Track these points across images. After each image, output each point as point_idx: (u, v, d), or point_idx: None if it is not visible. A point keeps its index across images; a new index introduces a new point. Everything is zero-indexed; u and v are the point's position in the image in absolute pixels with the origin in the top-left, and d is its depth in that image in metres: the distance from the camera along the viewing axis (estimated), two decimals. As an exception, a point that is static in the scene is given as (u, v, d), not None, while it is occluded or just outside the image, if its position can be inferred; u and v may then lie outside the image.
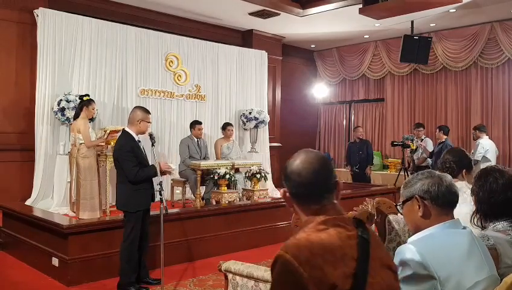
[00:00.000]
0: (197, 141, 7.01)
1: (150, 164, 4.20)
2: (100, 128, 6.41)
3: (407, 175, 7.35)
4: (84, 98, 5.86)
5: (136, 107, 4.35)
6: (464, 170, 2.88)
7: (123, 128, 4.26)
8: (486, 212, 2.07)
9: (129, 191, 4.03)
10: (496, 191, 2.05)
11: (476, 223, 2.10)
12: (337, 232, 1.31)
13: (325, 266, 1.23)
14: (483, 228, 2.07)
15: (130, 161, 3.98)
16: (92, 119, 6.58)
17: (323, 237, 1.28)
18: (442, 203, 1.71)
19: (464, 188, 2.71)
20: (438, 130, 7.66)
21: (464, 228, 1.76)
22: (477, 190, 2.12)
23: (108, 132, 5.95)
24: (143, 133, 4.19)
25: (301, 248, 1.25)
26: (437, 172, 1.81)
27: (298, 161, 1.41)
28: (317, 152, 1.46)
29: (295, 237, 1.31)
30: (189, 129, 7.38)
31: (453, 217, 1.75)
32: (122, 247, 4.08)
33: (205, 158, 7.00)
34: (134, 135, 4.13)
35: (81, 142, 5.67)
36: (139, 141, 4.18)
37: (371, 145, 8.88)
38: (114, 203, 6.52)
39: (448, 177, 1.79)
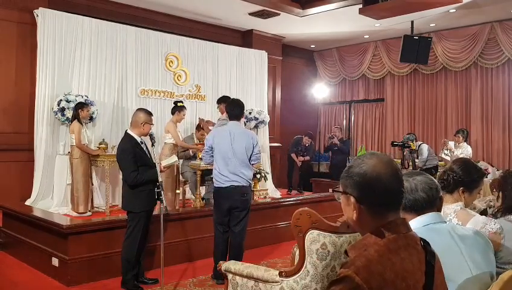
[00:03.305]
0: (199, 141, 6.99)
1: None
2: (97, 146, 6.43)
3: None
4: (179, 104, 6.38)
5: (138, 110, 4.36)
6: (462, 188, 2.30)
7: (125, 131, 4.27)
8: (509, 206, 2.25)
9: (133, 192, 4.05)
10: None
11: (493, 213, 2.25)
12: (409, 254, 1.24)
13: None
14: (496, 218, 2.19)
15: (129, 166, 4.00)
16: (91, 119, 6.61)
17: (395, 261, 1.20)
18: (404, 207, 1.74)
19: (455, 213, 2.22)
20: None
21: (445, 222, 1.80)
22: (508, 186, 2.33)
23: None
24: (146, 135, 4.20)
25: (373, 272, 1.15)
26: (414, 177, 1.80)
27: (376, 167, 1.28)
28: (388, 157, 1.35)
29: (365, 255, 1.20)
30: (189, 129, 7.38)
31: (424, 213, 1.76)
32: (123, 245, 4.10)
33: None
34: (136, 137, 4.15)
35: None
36: (142, 143, 4.19)
37: (347, 144, 9.60)
38: (114, 203, 6.58)
39: (418, 180, 1.77)
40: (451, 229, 1.74)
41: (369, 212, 1.29)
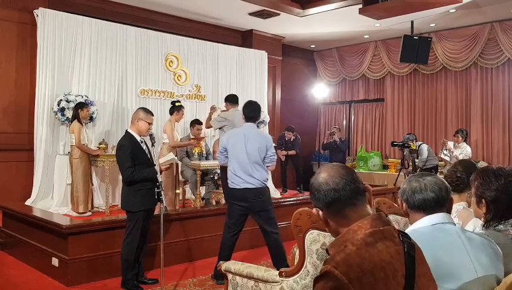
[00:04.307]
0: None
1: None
2: (97, 146, 6.46)
3: (408, 175, 7.33)
4: (177, 104, 6.41)
5: (139, 108, 4.38)
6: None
7: (126, 130, 4.28)
8: (498, 213, 1.96)
9: (131, 191, 4.04)
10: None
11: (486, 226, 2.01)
12: (386, 247, 1.28)
13: (376, 285, 1.19)
14: (487, 228, 2.00)
15: (126, 162, 3.99)
16: (91, 119, 6.62)
17: (373, 253, 1.24)
18: (413, 206, 1.78)
19: (457, 212, 2.33)
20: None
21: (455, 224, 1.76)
22: (493, 191, 1.96)
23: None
24: (142, 133, 4.18)
25: (351, 265, 1.20)
26: (424, 178, 1.80)
27: (322, 174, 1.44)
28: (336, 163, 1.50)
29: (344, 251, 1.25)
30: (189, 129, 7.36)
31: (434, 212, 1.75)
32: (122, 245, 4.10)
33: (207, 158, 6.98)
34: (136, 135, 4.14)
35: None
36: (142, 142, 4.18)
37: (345, 143, 9.74)
38: (114, 203, 6.59)
39: (428, 180, 1.77)
40: (460, 230, 1.72)
41: (329, 213, 1.41)
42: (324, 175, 1.42)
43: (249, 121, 4.45)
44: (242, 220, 4.39)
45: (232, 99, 5.87)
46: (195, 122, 7.07)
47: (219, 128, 5.73)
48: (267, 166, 4.39)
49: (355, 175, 1.43)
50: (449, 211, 1.79)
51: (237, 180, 4.28)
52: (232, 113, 5.86)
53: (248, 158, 4.26)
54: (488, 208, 1.98)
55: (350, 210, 1.37)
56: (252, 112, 4.46)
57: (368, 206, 1.40)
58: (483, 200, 1.99)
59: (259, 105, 4.55)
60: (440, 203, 1.75)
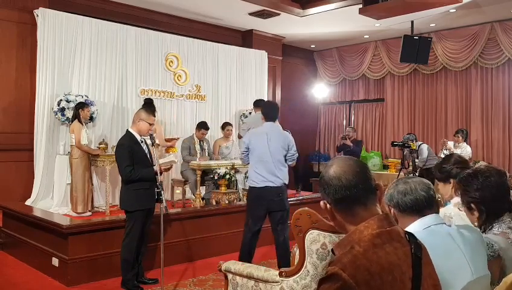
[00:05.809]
0: (200, 141, 6.99)
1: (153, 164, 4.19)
2: (97, 146, 6.46)
3: (408, 175, 7.34)
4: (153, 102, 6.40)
5: (141, 108, 4.38)
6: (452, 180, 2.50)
7: (127, 129, 4.29)
8: (489, 211, 1.97)
9: (129, 191, 4.04)
10: (493, 186, 1.99)
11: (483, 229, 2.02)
12: (394, 248, 1.26)
13: (383, 288, 1.18)
14: (484, 231, 2.00)
15: (124, 160, 4.00)
16: (91, 119, 6.62)
17: (381, 255, 1.22)
18: (404, 209, 1.78)
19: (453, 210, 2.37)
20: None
21: (449, 225, 1.77)
22: (476, 192, 2.00)
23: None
24: (143, 133, 4.18)
25: (359, 267, 1.18)
26: (411, 180, 1.81)
27: (335, 167, 1.37)
28: (351, 157, 1.45)
29: (351, 252, 1.23)
30: (189, 129, 7.37)
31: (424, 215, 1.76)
32: (122, 245, 4.10)
33: (210, 158, 6.97)
34: (136, 135, 4.14)
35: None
36: (142, 142, 4.18)
37: (360, 145, 9.02)
38: (114, 203, 6.59)
39: (415, 181, 1.78)
40: (454, 231, 1.73)
41: (337, 209, 1.36)
42: (337, 169, 1.36)
43: (270, 121, 4.48)
44: (261, 220, 4.42)
45: (254, 103, 6.49)
46: (202, 127, 6.95)
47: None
48: (288, 164, 4.43)
49: (369, 172, 1.40)
50: (437, 212, 1.81)
51: (259, 178, 4.31)
52: (252, 116, 6.02)
53: (271, 157, 4.30)
54: (479, 210, 1.99)
55: (359, 208, 1.34)
56: (270, 112, 4.51)
57: (378, 205, 1.38)
58: (472, 205, 2.01)
59: (276, 104, 4.63)
60: (431, 203, 1.76)
